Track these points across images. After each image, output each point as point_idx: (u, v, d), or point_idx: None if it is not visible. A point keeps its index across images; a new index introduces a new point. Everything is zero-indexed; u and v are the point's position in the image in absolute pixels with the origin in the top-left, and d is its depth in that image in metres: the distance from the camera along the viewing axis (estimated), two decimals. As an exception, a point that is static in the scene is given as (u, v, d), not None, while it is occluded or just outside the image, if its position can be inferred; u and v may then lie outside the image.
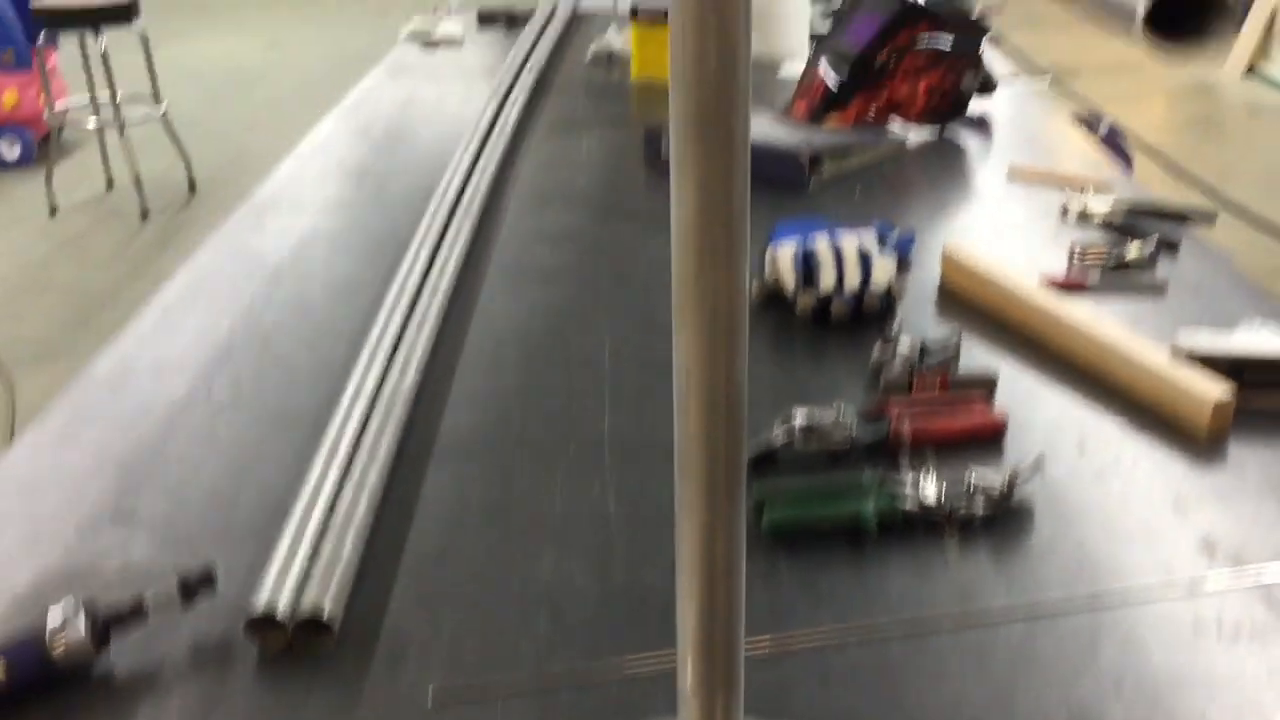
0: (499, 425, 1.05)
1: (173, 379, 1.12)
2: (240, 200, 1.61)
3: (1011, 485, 0.90)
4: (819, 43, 1.88)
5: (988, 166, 1.71)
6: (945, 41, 1.80)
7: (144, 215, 4.19)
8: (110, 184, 4.50)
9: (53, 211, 4.25)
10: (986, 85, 1.85)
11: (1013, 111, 1.90)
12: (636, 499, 0.93)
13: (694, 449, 0.54)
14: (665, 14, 2.11)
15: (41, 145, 4.63)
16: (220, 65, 6.46)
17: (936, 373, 1.07)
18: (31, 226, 4.17)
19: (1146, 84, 5.90)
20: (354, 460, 0.97)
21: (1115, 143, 1.98)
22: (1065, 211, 1.48)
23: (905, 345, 1.11)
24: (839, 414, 1.00)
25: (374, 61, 2.38)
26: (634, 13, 2.13)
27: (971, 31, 1.79)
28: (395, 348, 1.15)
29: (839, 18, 1.89)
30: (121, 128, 4.20)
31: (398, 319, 1.20)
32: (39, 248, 4.00)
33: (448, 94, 2.11)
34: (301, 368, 1.15)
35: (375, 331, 1.17)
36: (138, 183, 4.19)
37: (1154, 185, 2.83)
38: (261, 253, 1.42)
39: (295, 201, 1.59)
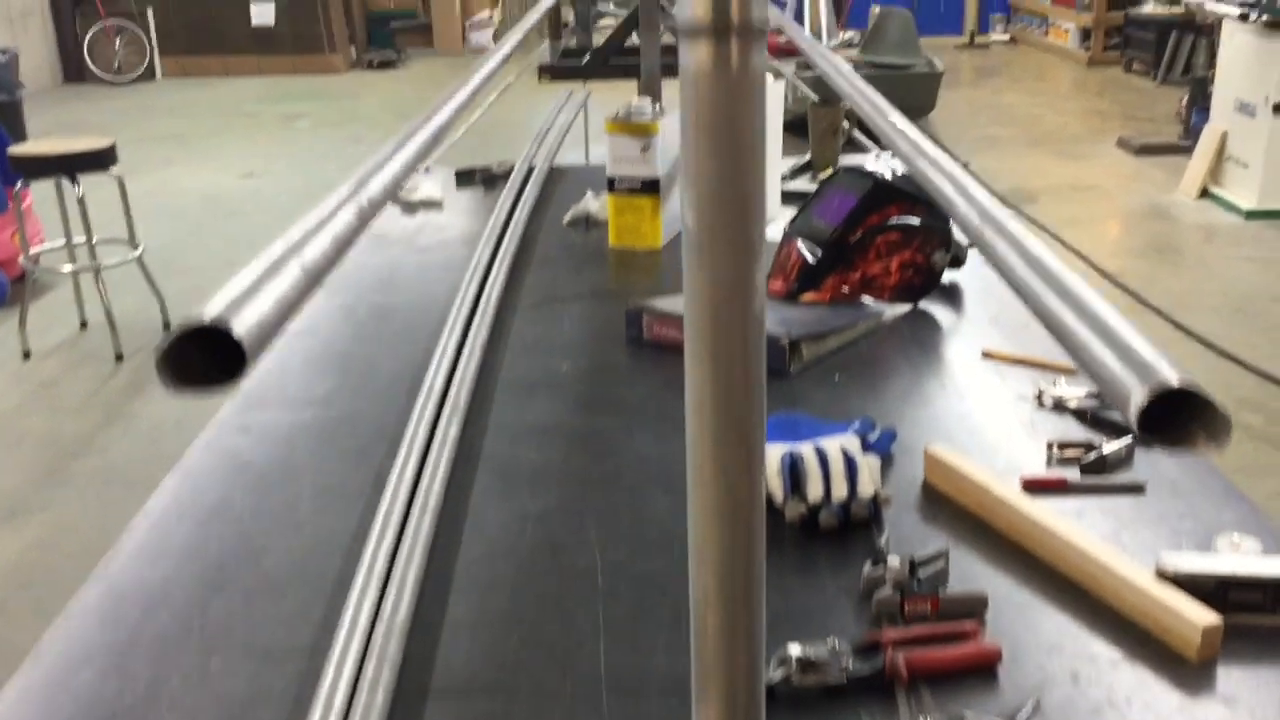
0: (495, 660, 1.05)
1: (161, 614, 1.11)
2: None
3: (1009, 729, 0.91)
4: (793, 220, 1.93)
5: (961, 342, 1.75)
6: (916, 218, 1.85)
7: (118, 357, 4.18)
8: (84, 325, 4.50)
9: (26, 355, 4.24)
10: (957, 260, 1.91)
11: (981, 282, 1.95)
12: (637, 747, 0.93)
13: (711, 671, 0.53)
14: (641, 185, 2.16)
15: (15, 287, 4.64)
16: (196, 196, 6.52)
17: (928, 595, 1.08)
18: (4, 372, 4.16)
19: (1103, 207, 6.06)
20: (352, 705, 0.97)
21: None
22: (1040, 398, 1.51)
23: (895, 563, 1.12)
24: (833, 648, 1.01)
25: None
26: (611, 184, 2.18)
27: (941, 208, 1.85)
28: (389, 569, 1.15)
29: (813, 196, 1.94)
30: (97, 271, 4.22)
31: (390, 535, 1.20)
32: (11, 395, 3.98)
33: (430, 264, 2.14)
34: (294, 592, 1.14)
35: (369, 550, 1.17)
36: (112, 324, 4.19)
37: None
38: (249, 458, 1.43)
39: (281, 395, 1.60)
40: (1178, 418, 0.48)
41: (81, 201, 4.10)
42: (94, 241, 4.23)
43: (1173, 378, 0.47)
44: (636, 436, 1.46)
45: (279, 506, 1.31)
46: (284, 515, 1.29)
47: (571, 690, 1.00)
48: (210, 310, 0.48)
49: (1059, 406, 1.49)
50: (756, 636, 0.53)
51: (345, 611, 1.07)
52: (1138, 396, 0.47)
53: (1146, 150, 6.84)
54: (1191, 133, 6.44)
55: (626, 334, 1.75)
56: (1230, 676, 0.99)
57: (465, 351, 1.66)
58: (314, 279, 0.65)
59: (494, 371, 1.65)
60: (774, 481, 1.26)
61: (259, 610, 1.12)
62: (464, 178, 2.73)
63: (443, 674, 1.03)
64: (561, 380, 1.63)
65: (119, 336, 4.21)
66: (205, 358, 0.48)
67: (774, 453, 1.27)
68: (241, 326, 0.49)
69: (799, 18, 8.58)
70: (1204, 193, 5.84)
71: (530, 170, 2.71)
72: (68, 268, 4.39)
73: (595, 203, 2.38)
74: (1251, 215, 5.48)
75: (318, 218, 0.70)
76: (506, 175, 2.68)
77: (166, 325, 4.45)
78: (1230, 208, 5.62)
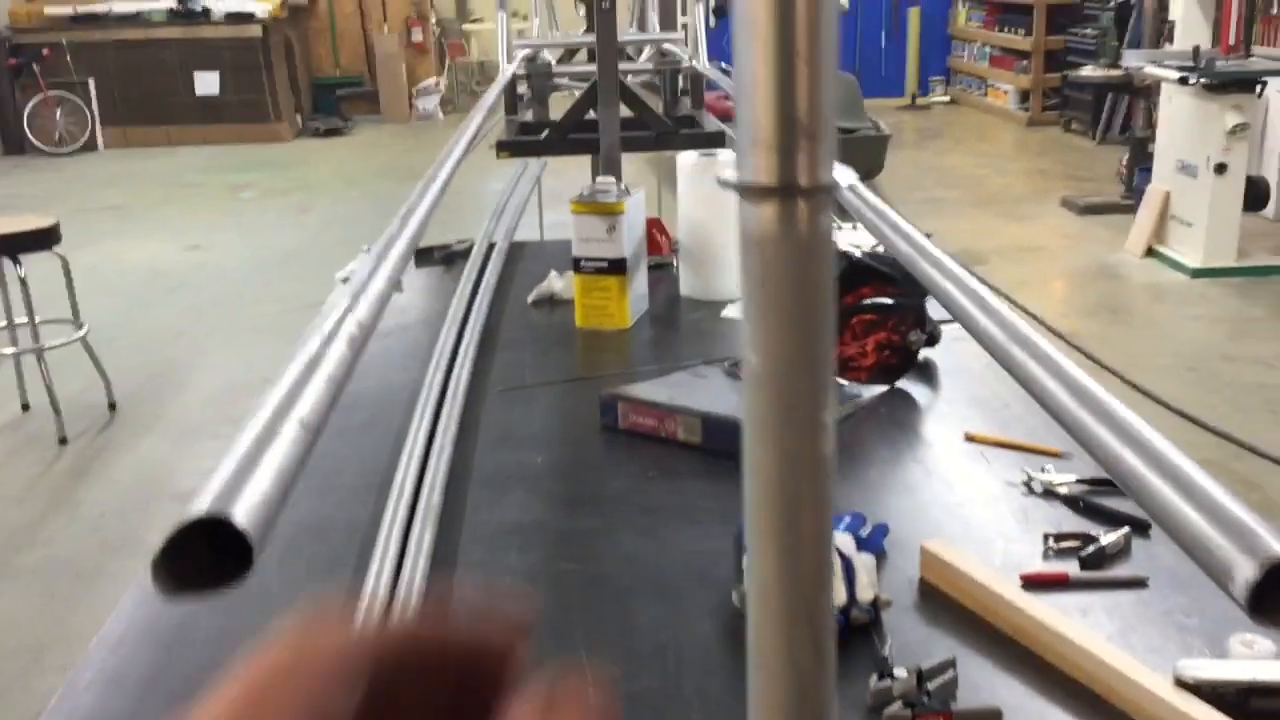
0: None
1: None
2: (161, 420, 1.54)
3: None
4: (767, 301, 1.90)
5: (943, 424, 1.72)
6: (890, 299, 1.83)
7: (62, 441, 4.05)
8: (25, 408, 4.37)
9: (-36, 440, 4.10)
10: (932, 338, 1.88)
11: (955, 359, 1.93)
12: None
13: None
14: (608, 264, 2.13)
15: (-47, 368, 4.50)
16: (141, 270, 6.40)
17: (939, 710, 1.04)
18: (-58, 458, 4.01)
19: (1051, 267, 6.14)
20: None
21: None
22: (1029, 484, 1.48)
23: (902, 674, 1.07)
24: (847, 769, 0.96)
25: (298, 259, 2.35)
26: (577, 264, 2.14)
27: (915, 288, 1.83)
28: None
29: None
30: (40, 353, 4.10)
31: (365, 655, 1.13)
32: (-51, 482, 3.84)
33: (393, 350, 2.08)
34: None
35: (342, 674, 1.10)
36: (55, 407, 4.06)
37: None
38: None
39: (243, 496, 1.52)
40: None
41: (24, 281, 3.99)
42: (37, 322, 4.12)
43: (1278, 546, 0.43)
44: (620, 534, 1.40)
45: (247, 628, 1.23)
46: (252, 638, 1.21)
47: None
48: (205, 501, 0.42)
49: (1049, 493, 1.46)
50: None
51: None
52: (1246, 571, 0.43)
53: (1090, 210, 6.95)
54: (1134, 192, 6.56)
55: (601, 422, 1.70)
56: (1259, 791, 0.95)
57: (436, 446, 1.60)
58: (314, 434, 0.59)
59: (466, 466, 1.59)
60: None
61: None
62: (423, 257, 2.68)
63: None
64: (537, 474, 1.57)
65: (62, 420, 4.08)
66: (205, 550, 0.43)
67: (766, 554, 1.22)
68: (244, 514, 0.44)
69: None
70: (1149, 251, 5.94)
71: (491, 247, 2.67)
72: (9, 350, 4.27)
73: (560, 282, 2.34)
74: (1197, 274, 5.57)
75: (306, 358, 0.65)
76: (467, 253, 2.64)
77: (112, 406, 4.33)
78: (1176, 266, 5.71)
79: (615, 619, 1.23)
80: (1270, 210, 6.27)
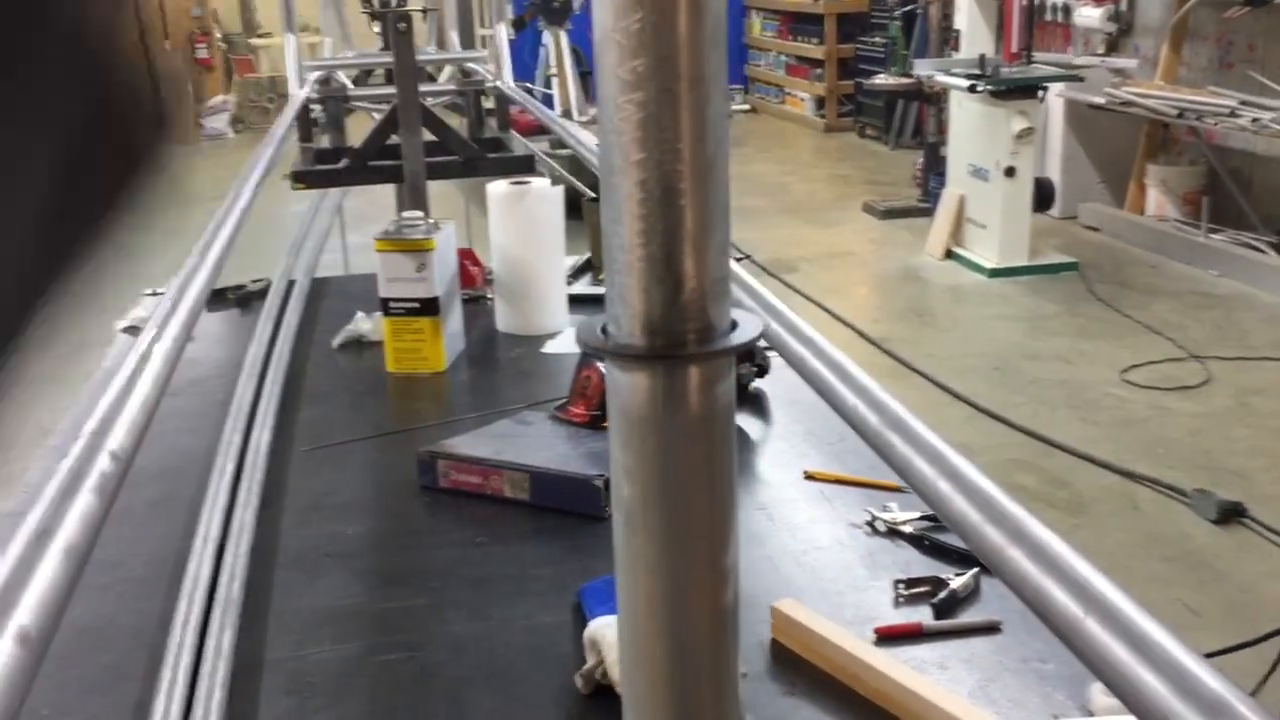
0: None
1: None
2: None
3: None
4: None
5: (780, 462, 1.66)
6: (719, 331, 1.76)
7: None
8: None
9: None
10: (762, 369, 1.83)
11: (785, 388, 1.87)
12: None
13: None
14: (419, 305, 1.99)
15: None
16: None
17: (808, 800, 0.96)
18: None
19: (859, 273, 6.28)
20: None
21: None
22: (873, 524, 1.43)
23: (764, 760, 0.99)
24: None
25: (71, 301, 2.13)
26: (385, 306, 2.00)
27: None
28: (158, 845, 0.93)
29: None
30: None
31: (157, 793, 0.98)
32: None
33: (183, 410, 1.89)
34: None
35: (130, 821, 0.94)
36: None
37: (883, 379, 2.86)
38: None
39: None
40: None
41: None
42: None
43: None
44: (448, 613, 1.28)
45: (10, 765, 1.05)
46: (17, 777, 1.03)
47: None
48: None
49: (894, 532, 1.41)
50: None
51: None
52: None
53: (891, 214, 7.16)
54: (930, 196, 6.78)
55: (420, 482, 1.57)
56: None
57: (235, 523, 1.44)
58: (46, 642, 0.46)
59: (271, 545, 1.43)
60: (613, 661, 1.11)
61: None
62: (215, 298, 2.47)
63: None
64: (351, 549, 1.43)
65: None
66: None
67: (609, 630, 1.13)
68: None
69: (547, 99, 8.59)
70: (949, 254, 6.14)
71: (290, 285, 2.49)
72: None
73: (367, 323, 2.18)
74: (994, 273, 5.79)
75: (20, 563, 0.51)
76: (264, 293, 2.44)
77: None
78: (974, 267, 5.92)
79: (448, 716, 1.11)
80: (1055, 209, 6.59)
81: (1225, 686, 0.37)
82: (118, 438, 0.59)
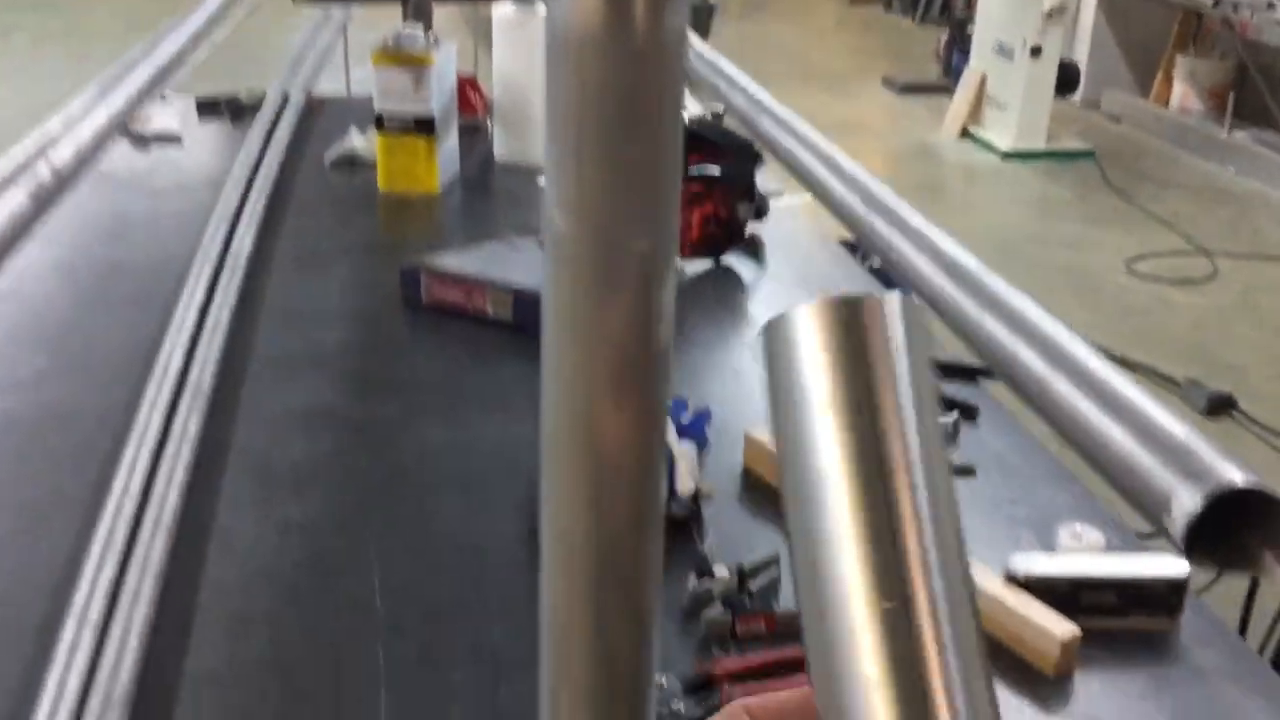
0: (250, 727, 0.85)
1: None
2: None
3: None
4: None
5: (769, 303, 1.63)
6: (718, 168, 1.71)
7: None
8: None
9: None
10: (760, 211, 1.78)
11: (783, 234, 1.83)
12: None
13: None
14: (414, 123, 1.93)
15: None
16: (-109, 118, 5.72)
17: (761, 612, 0.95)
18: None
19: (873, 146, 6.16)
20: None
21: (885, 274, 1.96)
22: (858, 366, 1.41)
23: (723, 573, 0.98)
24: (660, 685, 0.87)
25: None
26: (379, 121, 1.94)
27: (744, 158, 1.72)
28: (110, 610, 0.92)
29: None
30: None
31: (111, 564, 0.97)
32: None
33: (167, 212, 1.85)
34: (-16, 648, 0.90)
35: (82, 586, 0.94)
36: None
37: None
38: (-70, 462, 1.15)
39: (-24, 377, 1.32)
40: (1228, 526, 0.34)
41: None
42: None
43: (1236, 476, 0.33)
44: (421, 423, 1.26)
45: (-32, 529, 1.05)
46: (-26, 540, 1.03)
47: (349, 762, 0.82)
48: None
49: (877, 376, 1.39)
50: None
51: (49, 672, 0.85)
52: (1186, 502, 0.33)
53: (909, 89, 6.99)
54: (952, 73, 6.61)
55: (403, 296, 1.54)
56: (1090, 691, 0.91)
57: (209, 320, 1.41)
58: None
59: (246, 346, 1.41)
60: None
61: (-64, 676, 0.88)
62: (207, 108, 2.41)
63: (182, 753, 0.82)
64: (328, 355, 1.41)
65: None
66: None
67: (580, 444, 1.11)
68: None
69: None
70: (965, 133, 6.01)
71: (285, 100, 2.42)
72: None
73: (361, 140, 2.13)
74: (1008, 156, 5.68)
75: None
76: (257, 106, 2.38)
77: None
78: (989, 148, 5.81)
79: (414, 519, 1.10)
80: (1078, 95, 6.43)
81: (1188, 433, 0.35)
82: (62, 154, 0.56)
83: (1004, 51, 5.76)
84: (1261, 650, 1.85)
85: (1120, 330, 3.81)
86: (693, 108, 2.18)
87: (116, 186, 1.95)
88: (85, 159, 0.58)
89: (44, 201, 0.51)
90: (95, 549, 0.98)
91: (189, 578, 1.00)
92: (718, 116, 2.00)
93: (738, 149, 1.72)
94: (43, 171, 0.51)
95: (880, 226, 0.55)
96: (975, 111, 6.02)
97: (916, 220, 0.52)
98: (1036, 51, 5.55)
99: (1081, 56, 6.39)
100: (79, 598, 0.93)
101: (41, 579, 0.98)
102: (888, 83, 7.18)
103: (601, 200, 0.29)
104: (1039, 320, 0.43)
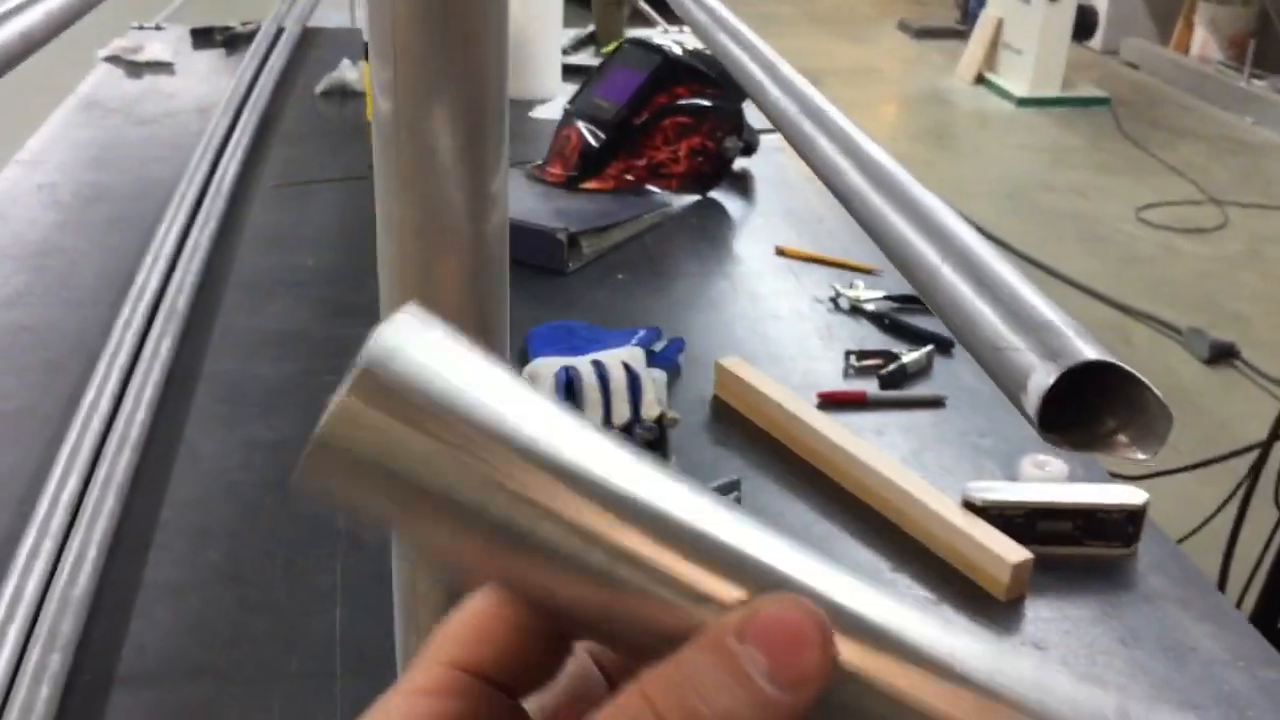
0: (203, 634, 0.86)
1: None
2: None
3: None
4: (574, 99, 1.74)
5: (754, 238, 1.62)
6: (706, 100, 1.70)
7: None
8: None
9: None
10: (749, 146, 1.77)
11: (772, 170, 1.82)
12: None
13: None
14: (405, 52, 1.92)
15: None
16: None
17: (718, 535, 0.96)
18: None
19: (882, 90, 6.09)
20: (8, 702, 0.77)
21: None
22: (836, 300, 1.40)
23: (682, 497, 0.99)
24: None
25: (65, 42, 2.08)
26: (368, 52, 1.92)
27: (734, 92, 1.70)
28: (71, 520, 0.94)
29: (595, 73, 1.75)
30: None
31: (76, 475, 0.98)
32: None
33: (155, 139, 1.84)
34: (-54, 555, 0.92)
35: (45, 497, 0.95)
36: None
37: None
38: (-97, 376, 1.16)
39: (-46, 296, 1.32)
40: (1083, 404, 0.34)
41: None
42: None
43: (1086, 349, 0.33)
44: (391, 346, 1.27)
45: (-63, 442, 1.06)
46: (-58, 453, 1.04)
47: (298, 669, 0.83)
48: None
49: (856, 310, 1.39)
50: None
51: (6, 580, 0.86)
52: (1040, 376, 0.33)
53: (925, 34, 6.90)
54: (969, 17, 6.52)
55: (383, 224, 1.54)
56: (1040, 616, 0.91)
57: (189, 245, 1.41)
58: None
59: (224, 269, 1.42)
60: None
61: (-103, 581, 0.89)
62: (201, 37, 2.39)
63: (133, 656, 0.83)
64: (306, 279, 1.41)
65: None
66: None
67: (547, 369, 1.11)
68: None
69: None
70: (979, 79, 5.94)
71: (280, 31, 2.40)
72: None
73: (353, 71, 2.11)
74: (1023, 103, 5.61)
75: None
76: (252, 36, 2.36)
77: None
78: (1003, 94, 5.74)
79: (377, 437, 1.11)
80: (1097, 41, 6.34)
81: (1053, 311, 0.34)
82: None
83: (1021, -5, 5.68)
84: (1240, 600, 1.85)
85: (1125, 277, 3.78)
86: (687, 41, 2.16)
87: (105, 114, 1.95)
88: (12, 55, 0.58)
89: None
90: (60, 463, 0.99)
91: (153, 493, 1.01)
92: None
93: (728, 83, 1.70)
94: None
95: (807, 128, 0.54)
96: (990, 57, 5.94)
97: (841, 121, 0.52)
98: (1054, -5, 5.47)
99: (1101, 2, 6.29)
100: (42, 508, 0.94)
101: (6, 491, 0.99)
102: (903, 27, 7.09)
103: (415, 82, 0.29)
104: (941, 215, 0.42)
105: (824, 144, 0.53)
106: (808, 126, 0.56)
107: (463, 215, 0.33)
